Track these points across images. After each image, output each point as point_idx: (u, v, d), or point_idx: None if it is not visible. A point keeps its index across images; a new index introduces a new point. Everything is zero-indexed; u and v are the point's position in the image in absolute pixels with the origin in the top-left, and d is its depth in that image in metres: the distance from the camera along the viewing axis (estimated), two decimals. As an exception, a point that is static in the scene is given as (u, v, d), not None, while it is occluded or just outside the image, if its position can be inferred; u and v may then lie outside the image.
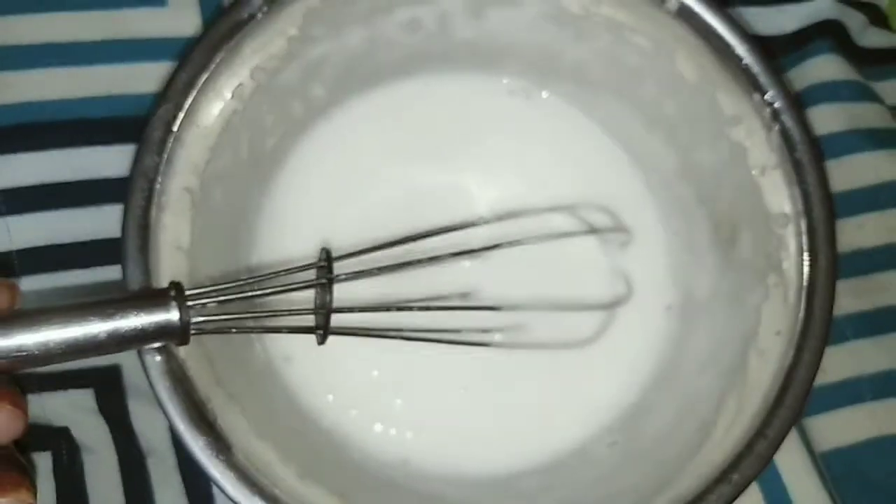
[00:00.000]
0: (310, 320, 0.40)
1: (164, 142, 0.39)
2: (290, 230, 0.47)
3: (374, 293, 0.43)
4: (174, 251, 0.39)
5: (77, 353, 0.33)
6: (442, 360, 0.44)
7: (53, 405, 0.44)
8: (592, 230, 0.48)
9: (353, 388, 0.45)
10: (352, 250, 0.40)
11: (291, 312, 0.39)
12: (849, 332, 0.49)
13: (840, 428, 0.48)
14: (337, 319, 0.39)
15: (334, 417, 0.45)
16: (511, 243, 0.44)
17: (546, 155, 0.50)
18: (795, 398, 0.39)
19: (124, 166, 0.46)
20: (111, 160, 0.47)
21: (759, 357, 0.41)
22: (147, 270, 0.38)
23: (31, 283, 0.45)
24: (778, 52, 0.54)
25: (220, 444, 0.37)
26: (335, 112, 0.48)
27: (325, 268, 0.40)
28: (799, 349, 0.39)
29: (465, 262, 0.43)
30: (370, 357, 0.45)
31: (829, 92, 0.53)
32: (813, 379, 0.39)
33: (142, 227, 0.38)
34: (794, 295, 0.40)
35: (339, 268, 0.40)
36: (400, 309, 0.42)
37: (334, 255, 0.40)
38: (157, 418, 0.44)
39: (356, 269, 0.40)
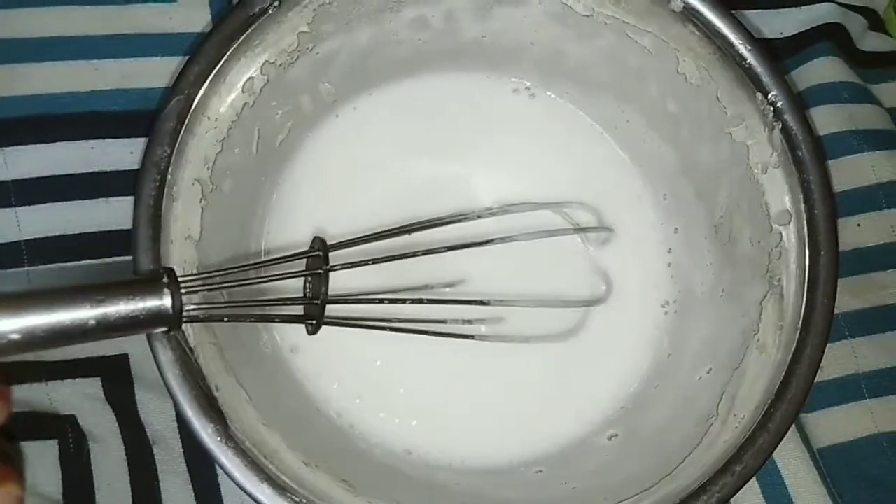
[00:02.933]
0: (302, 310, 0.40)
1: (175, 133, 0.40)
2: (299, 223, 0.47)
3: (366, 283, 0.43)
4: (184, 241, 0.40)
5: (64, 340, 0.32)
6: (447, 351, 0.45)
7: (60, 394, 0.44)
8: (580, 228, 0.48)
9: (359, 377, 0.46)
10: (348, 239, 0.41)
11: (285, 302, 0.39)
12: (847, 330, 0.50)
13: (838, 425, 0.49)
14: (329, 309, 0.39)
15: (340, 406, 0.45)
16: (504, 239, 0.45)
17: (548, 152, 0.50)
18: (797, 392, 0.39)
19: (133, 159, 0.48)
20: (120, 153, 0.48)
21: (761, 351, 0.41)
22: (158, 260, 0.38)
23: (39, 274, 0.46)
24: (780, 54, 0.55)
25: (229, 432, 0.37)
26: (343, 108, 0.49)
27: (318, 257, 0.40)
28: (800, 344, 0.40)
29: (460, 255, 0.44)
30: (376, 347, 0.46)
31: (830, 93, 0.54)
32: (815, 373, 0.40)
33: (153, 217, 0.39)
34: (796, 290, 0.41)
35: (334, 258, 0.40)
36: (392, 301, 0.42)
37: (329, 243, 0.40)
38: (163, 407, 0.45)
39: (350, 260, 0.40)
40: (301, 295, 0.42)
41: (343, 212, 0.47)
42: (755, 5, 0.56)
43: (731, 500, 0.39)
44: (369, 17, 0.45)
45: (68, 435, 0.44)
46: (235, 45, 0.41)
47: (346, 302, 0.41)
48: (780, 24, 0.56)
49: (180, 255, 0.39)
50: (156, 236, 0.39)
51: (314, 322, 0.39)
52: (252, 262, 0.40)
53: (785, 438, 0.40)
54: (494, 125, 0.50)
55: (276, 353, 0.45)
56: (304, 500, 0.37)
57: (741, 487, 0.39)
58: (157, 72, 0.49)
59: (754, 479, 0.40)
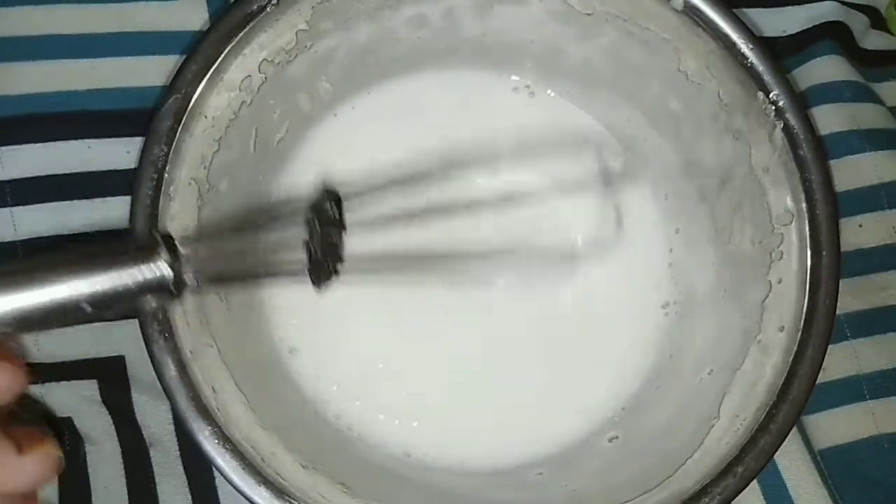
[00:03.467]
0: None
1: (172, 132, 0.39)
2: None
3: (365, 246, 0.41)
4: (181, 242, 0.39)
5: (58, 321, 0.30)
6: (446, 352, 0.45)
7: (57, 396, 0.44)
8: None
9: (358, 379, 0.45)
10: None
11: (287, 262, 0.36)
12: (849, 331, 0.50)
13: (839, 426, 0.49)
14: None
15: (339, 408, 0.45)
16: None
17: (548, 151, 0.50)
18: (799, 393, 0.39)
19: (130, 159, 0.47)
20: (117, 152, 0.48)
21: (762, 352, 0.41)
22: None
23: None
24: (781, 52, 0.55)
25: (226, 434, 0.37)
26: (341, 107, 0.48)
27: (320, 209, 0.37)
28: (802, 344, 0.40)
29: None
30: (376, 349, 0.46)
31: (832, 92, 0.54)
32: (816, 374, 0.39)
33: (150, 217, 0.38)
34: (798, 291, 0.41)
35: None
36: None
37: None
38: (160, 409, 0.45)
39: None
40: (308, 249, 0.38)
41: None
42: (757, 3, 0.55)
43: (733, 501, 0.39)
44: (368, 15, 0.44)
45: (65, 437, 0.44)
46: (233, 44, 0.40)
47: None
48: (782, 22, 0.56)
49: (178, 255, 0.39)
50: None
51: (323, 276, 0.37)
52: (253, 217, 0.39)
53: (786, 440, 0.39)
54: (494, 124, 0.50)
55: (274, 354, 0.45)
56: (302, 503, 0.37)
57: (743, 489, 0.38)
58: (154, 70, 0.48)
59: (755, 480, 0.39)
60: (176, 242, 0.33)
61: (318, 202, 0.38)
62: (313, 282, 0.37)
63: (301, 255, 0.37)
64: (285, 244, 0.37)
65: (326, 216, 0.37)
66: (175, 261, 0.32)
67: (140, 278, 0.31)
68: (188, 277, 0.33)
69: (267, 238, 0.37)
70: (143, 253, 0.32)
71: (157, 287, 0.32)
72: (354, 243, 0.38)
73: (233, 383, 0.39)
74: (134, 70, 0.49)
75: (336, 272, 0.37)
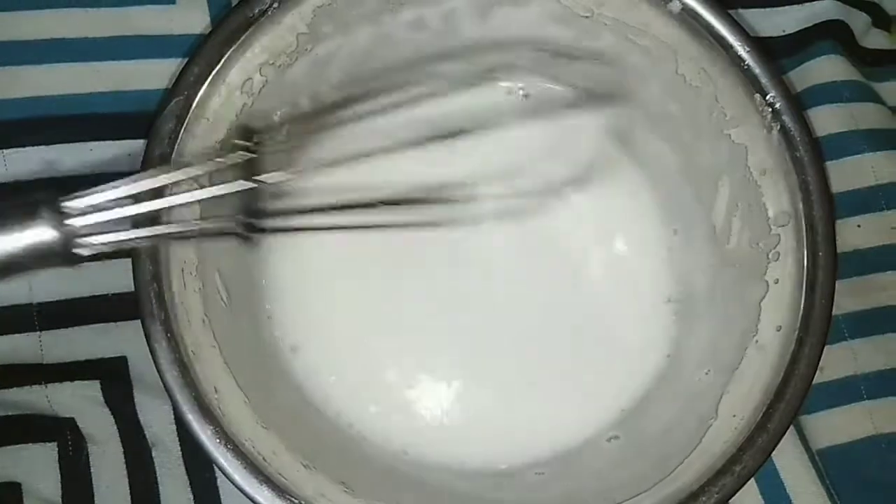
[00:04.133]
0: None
1: (174, 134, 0.40)
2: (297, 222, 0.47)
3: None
4: (184, 241, 0.40)
5: None
6: (447, 352, 0.45)
7: (59, 396, 0.44)
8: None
9: (359, 378, 0.46)
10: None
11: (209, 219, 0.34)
12: (846, 331, 0.50)
13: (837, 426, 0.49)
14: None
15: (339, 406, 0.45)
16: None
17: (547, 154, 0.50)
18: (796, 392, 0.39)
19: (131, 161, 0.47)
20: (118, 155, 0.48)
21: (760, 352, 0.41)
22: (157, 260, 0.38)
23: (38, 280, 0.45)
24: (780, 52, 0.55)
25: (228, 434, 0.37)
26: (341, 109, 0.48)
27: (247, 150, 0.34)
28: (799, 344, 0.40)
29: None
30: (377, 348, 0.46)
31: (831, 92, 0.54)
32: (813, 374, 0.40)
33: (151, 219, 0.38)
34: (795, 291, 0.41)
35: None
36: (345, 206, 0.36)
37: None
38: (162, 410, 0.45)
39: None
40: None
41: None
42: (756, 3, 0.55)
43: (731, 500, 0.39)
44: (368, 19, 0.45)
45: (67, 437, 0.44)
46: (234, 46, 0.41)
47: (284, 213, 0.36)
48: (781, 21, 0.56)
49: (180, 255, 0.39)
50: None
51: (251, 229, 0.34)
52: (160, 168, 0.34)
53: (783, 439, 0.39)
54: (494, 126, 0.50)
55: (275, 353, 0.45)
56: (304, 502, 0.37)
57: (741, 488, 0.39)
58: (155, 73, 0.49)
59: (753, 480, 0.40)
60: (62, 202, 0.30)
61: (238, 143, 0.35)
62: (240, 235, 0.35)
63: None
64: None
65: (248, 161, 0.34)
66: (59, 222, 0.29)
67: (20, 242, 0.29)
68: (82, 241, 0.29)
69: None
70: (22, 216, 0.29)
71: (42, 253, 0.29)
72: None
73: (234, 383, 0.39)
74: (135, 73, 0.49)
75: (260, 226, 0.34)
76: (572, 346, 0.47)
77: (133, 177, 0.31)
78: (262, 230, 0.35)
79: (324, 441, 0.43)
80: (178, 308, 0.38)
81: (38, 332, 0.45)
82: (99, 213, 0.30)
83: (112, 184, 0.31)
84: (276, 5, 0.41)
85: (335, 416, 0.45)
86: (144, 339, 0.38)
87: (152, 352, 0.37)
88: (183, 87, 0.40)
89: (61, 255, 0.29)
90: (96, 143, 0.48)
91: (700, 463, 0.40)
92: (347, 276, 0.47)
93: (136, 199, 0.32)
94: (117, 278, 0.46)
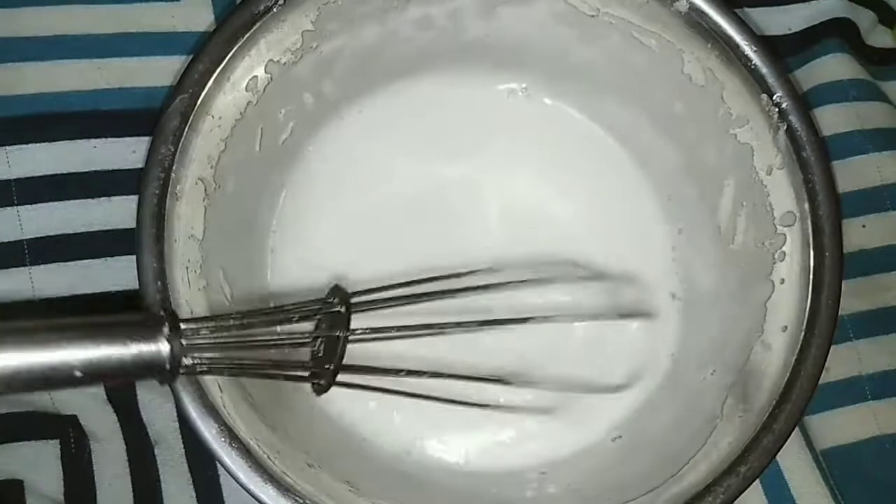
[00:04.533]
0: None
1: (179, 132, 0.39)
2: (302, 223, 0.47)
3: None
4: (188, 240, 0.40)
5: (44, 385, 0.30)
6: (448, 350, 0.44)
7: (62, 394, 0.44)
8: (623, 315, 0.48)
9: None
10: (367, 284, 0.39)
11: (295, 365, 0.37)
12: (851, 331, 0.50)
13: (841, 426, 0.49)
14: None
15: (341, 406, 0.45)
16: (546, 318, 0.44)
17: (553, 153, 0.50)
18: (802, 393, 0.39)
19: (135, 158, 0.47)
20: (123, 152, 0.48)
21: (765, 352, 0.41)
22: (161, 259, 0.38)
23: (41, 273, 0.45)
24: (786, 51, 0.55)
25: (233, 432, 0.37)
26: (346, 108, 0.48)
27: (337, 314, 0.37)
28: (805, 344, 0.40)
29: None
30: (379, 349, 0.45)
31: (837, 91, 0.54)
32: (819, 374, 0.40)
33: (157, 216, 0.38)
34: (801, 292, 0.41)
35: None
36: (409, 373, 0.39)
37: (350, 293, 0.37)
38: (164, 408, 0.45)
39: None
40: (311, 347, 0.39)
41: (349, 211, 0.47)
42: (762, 1, 0.55)
43: (736, 501, 0.39)
44: (374, 16, 0.44)
45: (70, 435, 0.44)
46: (240, 44, 0.41)
47: (360, 371, 0.38)
48: (787, 20, 0.56)
49: (183, 254, 0.39)
50: (159, 235, 0.38)
51: (322, 383, 0.38)
52: (262, 308, 0.38)
53: (789, 440, 0.39)
54: (498, 125, 0.50)
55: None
56: (308, 502, 0.37)
57: (746, 488, 0.39)
58: (159, 71, 0.48)
59: (758, 480, 0.39)
60: (180, 323, 0.32)
61: (328, 300, 0.38)
62: (313, 385, 0.37)
63: (304, 352, 0.37)
64: (290, 339, 0.37)
65: (334, 315, 0.37)
66: (175, 342, 0.31)
67: (136, 354, 0.31)
68: (186, 361, 0.32)
69: (272, 331, 0.37)
70: (145, 330, 0.31)
71: (152, 366, 0.31)
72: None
73: (238, 382, 0.39)
74: (139, 70, 0.49)
75: (335, 376, 0.37)
76: (574, 346, 0.47)
77: (241, 313, 0.35)
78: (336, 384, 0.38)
79: (327, 440, 0.43)
80: (182, 306, 0.38)
81: (40, 330, 0.45)
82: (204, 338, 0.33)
83: (223, 317, 0.34)
84: (281, 2, 0.41)
85: (338, 416, 0.45)
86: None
87: (157, 350, 0.37)
88: (188, 85, 0.40)
89: (165, 370, 0.31)
90: (100, 140, 0.48)
91: (705, 463, 0.40)
92: (349, 275, 0.47)
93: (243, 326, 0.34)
94: (121, 276, 0.46)
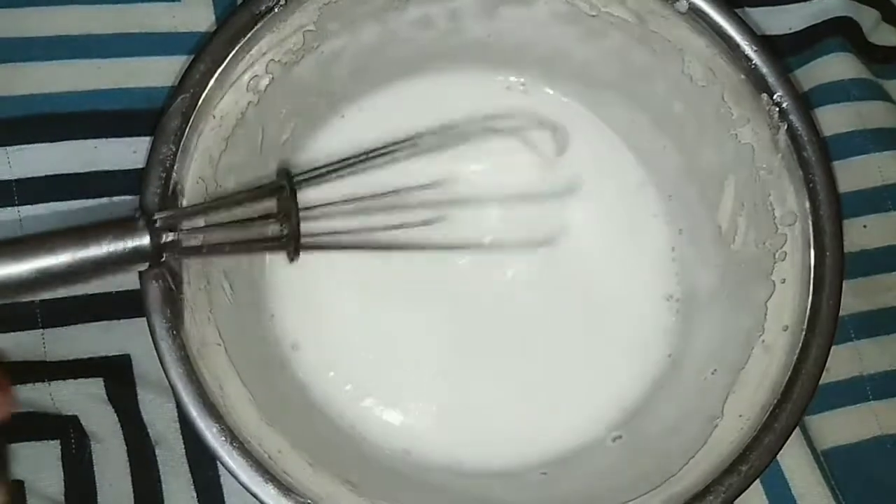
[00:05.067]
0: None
1: (180, 132, 0.39)
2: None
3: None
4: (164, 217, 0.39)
5: (53, 282, 0.34)
6: (448, 350, 0.45)
7: (63, 394, 0.44)
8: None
9: (360, 377, 0.46)
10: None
11: (261, 236, 0.40)
12: (852, 331, 0.50)
13: (842, 426, 0.49)
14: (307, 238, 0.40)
15: (341, 406, 0.45)
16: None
17: (553, 152, 0.50)
18: (803, 392, 0.39)
19: (136, 158, 0.47)
20: (123, 152, 0.48)
21: (766, 352, 0.41)
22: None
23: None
24: (787, 50, 0.55)
25: (233, 432, 0.37)
26: (347, 108, 0.48)
27: (283, 188, 0.40)
28: (806, 344, 0.40)
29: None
30: (376, 346, 0.46)
31: (839, 91, 0.54)
32: (820, 374, 0.40)
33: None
34: (801, 291, 0.41)
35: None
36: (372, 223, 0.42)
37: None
38: (165, 408, 0.45)
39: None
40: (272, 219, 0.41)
41: (349, 211, 0.47)
42: (762, 1, 0.55)
43: (736, 501, 0.39)
44: (374, 16, 0.44)
45: (70, 435, 0.44)
46: (241, 44, 0.41)
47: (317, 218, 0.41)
48: (788, 19, 0.56)
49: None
50: (160, 234, 0.38)
51: (294, 248, 0.40)
52: (220, 197, 0.41)
53: (789, 440, 0.39)
54: (499, 124, 0.50)
55: (278, 351, 0.45)
56: (309, 501, 0.37)
57: (747, 488, 0.39)
58: (160, 71, 0.48)
59: (758, 480, 0.40)
60: (156, 216, 0.36)
61: (279, 182, 0.40)
62: (288, 254, 0.40)
63: (271, 228, 0.40)
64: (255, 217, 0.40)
65: (286, 196, 0.40)
66: (153, 232, 0.35)
67: (122, 244, 0.35)
68: (167, 238, 0.36)
69: (240, 213, 0.39)
70: (128, 223, 0.35)
71: (137, 251, 0.35)
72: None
73: (239, 381, 0.39)
74: (139, 71, 0.49)
75: (298, 239, 0.40)
76: (574, 346, 0.47)
77: (205, 203, 0.39)
78: (303, 247, 0.40)
79: (328, 440, 0.43)
80: (183, 305, 0.38)
81: (41, 330, 0.45)
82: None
83: (190, 206, 0.39)
84: (282, 3, 0.41)
85: (338, 416, 0.45)
86: (148, 337, 0.37)
87: (157, 349, 0.37)
88: (189, 85, 0.40)
89: (151, 256, 0.36)
90: (100, 140, 0.48)
91: (706, 463, 0.39)
92: (349, 276, 0.47)
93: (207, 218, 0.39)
94: (121, 275, 0.46)
